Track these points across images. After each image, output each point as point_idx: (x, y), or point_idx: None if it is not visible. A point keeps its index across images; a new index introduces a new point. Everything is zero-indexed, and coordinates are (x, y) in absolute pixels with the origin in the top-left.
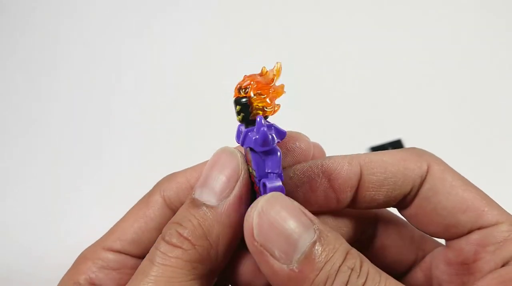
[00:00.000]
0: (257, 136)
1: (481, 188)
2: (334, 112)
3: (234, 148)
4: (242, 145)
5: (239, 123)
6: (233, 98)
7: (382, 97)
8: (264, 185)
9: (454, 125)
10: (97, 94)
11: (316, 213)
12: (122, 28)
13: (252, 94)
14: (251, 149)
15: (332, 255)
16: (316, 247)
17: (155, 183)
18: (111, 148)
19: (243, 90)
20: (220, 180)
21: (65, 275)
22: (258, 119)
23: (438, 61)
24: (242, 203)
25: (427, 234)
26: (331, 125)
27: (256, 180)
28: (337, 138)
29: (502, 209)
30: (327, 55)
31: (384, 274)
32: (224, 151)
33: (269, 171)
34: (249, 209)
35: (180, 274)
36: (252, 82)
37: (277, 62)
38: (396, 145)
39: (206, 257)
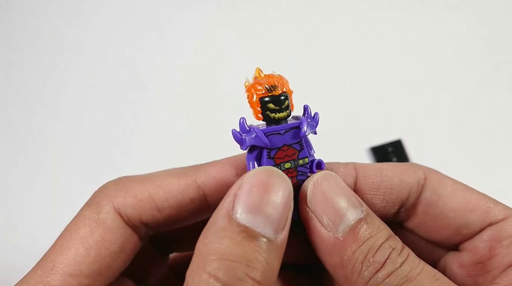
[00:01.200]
0: (314, 123)
1: (480, 187)
2: (334, 112)
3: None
4: (302, 136)
5: (262, 121)
6: (277, 95)
7: (382, 97)
8: (320, 164)
9: (454, 125)
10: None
11: None
12: (131, 28)
13: (287, 90)
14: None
15: (376, 234)
16: (362, 224)
17: (96, 190)
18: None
19: (273, 87)
20: (277, 209)
21: None
22: (307, 107)
23: (438, 61)
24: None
25: (437, 242)
26: (331, 125)
27: (312, 164)
28: (337, 138)
29: (505, 204)
30: (328, 56)
31: (423, 261)
32: (273, 173)
33: (313, 153)
34: (306, 181)
35: None
36: (279, 81)
37: (256, 68)
38: (396, 145)
39: None
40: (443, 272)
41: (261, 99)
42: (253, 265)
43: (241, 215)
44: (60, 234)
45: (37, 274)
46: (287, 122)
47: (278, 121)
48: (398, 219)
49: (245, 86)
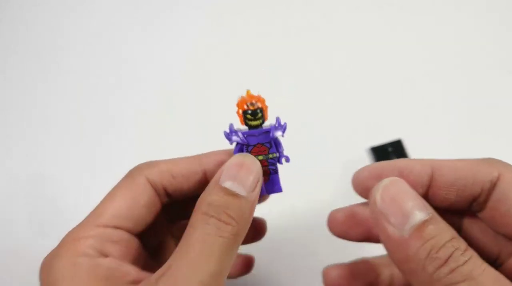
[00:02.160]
0: (281, 129)
1: None
2: (334, 113)
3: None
4: (267, 140)
5: (243, 126)
6: (253, 108)
7: (382, 97)
8: (286, 158)
9: (455, 125)
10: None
11: None
12: (125, 23)
13: (262, 106)
14: (275, 139)
15: (440, 234)
16: (427, 224)
17: (131, 168)
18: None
19: (252, 104)
20: (249, 179)
21: (56, 258)
22: (278, 118)
23: (441, 61)
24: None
25: (507, 235)
26: (331, 125)
27: (279, 158)
28: (336, 138)
29: None
30: (327, 55)
31: (486, 264)
32: (246, 156)
33: (281, 150)
34: (376, 185)
35: (235, 246)
36: (259, 100)
37: (247, 90)
38: (396, 145)
39: (243, 233)
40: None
41: (243, 112)
42: (230, 208)
43: (224, 181)
44: (104, 197)
45: (88, 219)
46: (262, 128)
47: (254, 127)
48: (470, 209)
49: (236, 106)
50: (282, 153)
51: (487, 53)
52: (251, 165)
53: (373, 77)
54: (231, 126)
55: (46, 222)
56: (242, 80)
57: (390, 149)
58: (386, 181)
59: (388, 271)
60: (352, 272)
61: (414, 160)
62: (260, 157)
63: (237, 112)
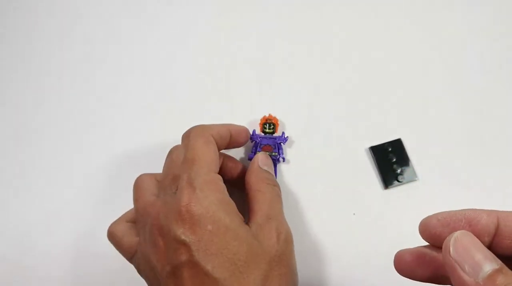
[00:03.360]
0: (284, 139)
1: (481, 188)
2: (334, 112)
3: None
4: (276, 141)
5: (261, 133)
6: (270, 122)
7: (382, 96)
8: (284, 159)
9: (454, 125)
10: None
11: None
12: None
13: (275, 122)
14: (278, 144)
15: (510, 282)
16: (498, 273)
17: (193, 128)
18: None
19: (270, 120)
20: (271, 165)
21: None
22: (284, 133)
23: (441, 60)
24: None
25: None
26: (330, 124)
27: (279, 157)
28: (336, 138)
29: None
30: (327, 56)
31: None
32: (265, 154)
33: (281, 152)
34: (448, 236)
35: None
36: (274, 119)
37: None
38: (396, 144)
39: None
40: None
41: (262, 124)
42: (272, 179)
43: (263, 166)
44: (198, 152)
45: (186, 164)
46: (272, 135)
47: (267, 134)
48: None
49: (260, 120)
50: (281, 154)
51: (491, 54)
52: (269, 158)
53: (373, 77)
54: (254, 131)
55: None
56: (242, 81)
57: (390, 149)
58: (457, 233)
59: None
60: (423, 255)
61: (482, 210)
62: (267, 153)
63: (260, 124)
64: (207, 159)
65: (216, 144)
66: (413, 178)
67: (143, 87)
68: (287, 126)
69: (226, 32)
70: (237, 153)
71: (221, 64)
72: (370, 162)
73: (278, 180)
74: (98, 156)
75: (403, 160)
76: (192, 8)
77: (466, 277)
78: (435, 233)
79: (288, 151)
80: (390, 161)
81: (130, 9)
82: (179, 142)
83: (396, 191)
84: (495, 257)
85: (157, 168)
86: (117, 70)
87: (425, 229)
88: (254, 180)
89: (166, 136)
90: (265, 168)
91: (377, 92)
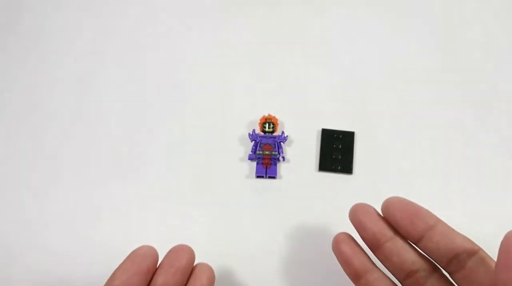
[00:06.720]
0: (283, 138)
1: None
2: (332, 110)
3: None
4: (276, 140)
5: (261, 132)
6: (269, 121)
7: (379, 96)
8: (283, 158)
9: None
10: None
11: None
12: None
13: (274, 122)
14: (278, 143)
15: None
16: None
17: None
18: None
19: (269, 120)
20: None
21: None
22: (283, 132)
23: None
24: None
25: None
26: (329, 122)
27: (279, 156)
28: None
29: None
30: (327, 54)
31: None
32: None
33: (281, 151)
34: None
35: None
36: (273, 118)
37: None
38: (347, 135)
39: None
40: None
41: (262, 124)
42: None
43: None
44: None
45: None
46: (271, 134)
47: (267, 133)
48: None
49: (260, 119)
50: (281, 154)
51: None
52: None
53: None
54: (253, 130)
55: None
56: (242, 81)
57: (340, 136)
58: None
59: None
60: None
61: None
62: (267, 152)
63: (259, 123)
64: None
65: None
66: (348, 171)
67: (143, 88)
68: (287, 126)
69: (226, 32)
70: (237, 153)
71: (220, 64)
72: (316, 143)
73: (278, 178)
74: (98, 156)
75: (347, 151)
76: (191, 8)
77: None
78: (394, 217)
79: (288, 150)
80: (336, 147)
81: (130, 9)
82: (178, 142)
83: (329, 176)
84: None
85: (158, 169)
86: (117, 70)
87: (388, 207)
88: None
89: (166, 138)
90: None
91: (377, 92)
